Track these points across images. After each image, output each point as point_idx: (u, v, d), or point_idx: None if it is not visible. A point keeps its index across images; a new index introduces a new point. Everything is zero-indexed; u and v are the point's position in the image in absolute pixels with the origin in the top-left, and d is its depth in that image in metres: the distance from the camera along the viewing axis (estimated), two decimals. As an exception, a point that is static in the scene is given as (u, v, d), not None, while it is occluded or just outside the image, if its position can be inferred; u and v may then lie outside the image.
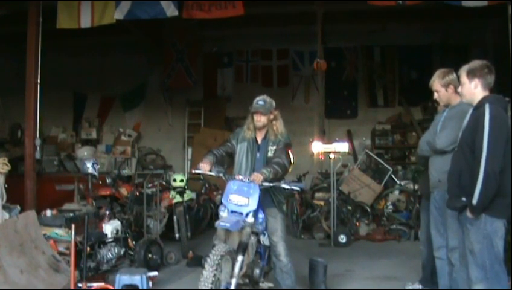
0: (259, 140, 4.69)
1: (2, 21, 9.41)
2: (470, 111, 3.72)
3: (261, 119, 4.59)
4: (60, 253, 5.29)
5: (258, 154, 4.65)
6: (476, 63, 3.69)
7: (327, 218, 8.33)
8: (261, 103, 4.59)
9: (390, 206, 8.95)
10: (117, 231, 5.89)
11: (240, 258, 3.96)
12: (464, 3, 6.35)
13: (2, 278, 4.39)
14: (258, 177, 4.21)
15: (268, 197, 4.52)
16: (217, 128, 11.94)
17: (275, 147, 4.59)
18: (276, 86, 12.46)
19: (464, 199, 3.54)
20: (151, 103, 12.86)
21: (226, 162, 4.74)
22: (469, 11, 6.61)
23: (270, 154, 4.58)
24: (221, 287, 3.82)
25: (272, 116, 4.64)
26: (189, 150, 12.47)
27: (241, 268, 3.96)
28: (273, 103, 4.67)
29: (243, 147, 4.67)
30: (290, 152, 4.60)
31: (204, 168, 4.46)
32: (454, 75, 4.37)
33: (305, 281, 5.39)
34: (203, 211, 8.83)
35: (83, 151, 11.59)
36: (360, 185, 8.99)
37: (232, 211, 4.14)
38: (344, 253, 7.42)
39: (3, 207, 5.68)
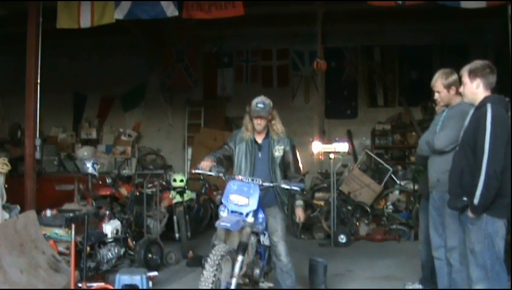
0: (260, 140, 4.69)
1: (2, 21, 9.42)
2: (472, 111, 3.72)
3: (261, 123, 4.59)
4: (60, 253, 5.29)
5: (259, 154, 4.65)
6: (477, 63, 3.68)
7: (327, 218, 8.32)
8: (260, 106, 4.53)
9: (390, 206, 8.95)
10: (117, 231, 5.89)
11: (240, 258, 3.95)
12: (463, 4, 6.34)
13: (2, 278, 4.39)
14: (301, 218, 4.80)
15: (272, 197, 4.54)
16: (217, 128, 11.95)
17: (282, 147, 4.63)
18: (276, 86, 12.48)
19: (465, 198, 3.54)
20: (151, 103, 12.87)
21: (225, 165, 4.73)
22: (469, 11, 6.60)
23: (277, 153, 4.62)
24: (221, 287, 3.81)
25: (270, 117, 4.63)
26: (189, 150, 12.48)
27: (241, 268, 3.96)
28: (271, 103, 4.64)
29: (242, 148, 4.67)
30: (297, 154, 4.75)
31: (204, 168, 4.46)
32: (456, 76, 4.36)
33: (305, 281, 5.39)
34: (203, 211, 8.83)
35: (83, 151, 11.59)
36: (360, 185, 8.99)
37: (232, 211, 4.13)
38: (344, 253, 7.42)
39: (3, 207, 5.69)
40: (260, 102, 4.55)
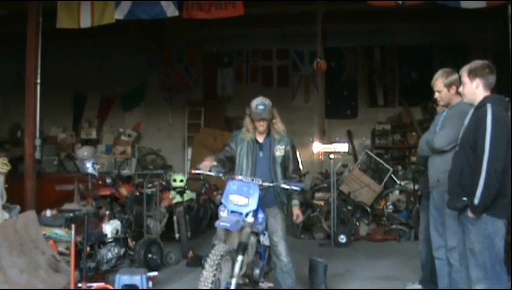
0: (261, 139, 4.69)
1: (2, 21, 9.44)
2: (471, 111, 3.71)
3: (264, 125, 4.60)
4: (60, 253, 5.28)
5: (260, 153, 4.66)
6: (477, 63, 3.68)
7: (327, 218, 8.32)
8: (261, 107, 4.51)
9: (390, 206, 8.96)
10: (117, 231, 5.88)
11: (239, 258, 3.95)
12: (463, 4, 6.35)
13: (2, 278, 4.40)
14: (299, 217, 4.74)
15: (272, 197, 4.55)
16: (217, 128, 11.96)
17: (283, 146, 4.65)
18: (276, 86, 12.50)
19: (465, 198, 3.53)
20: (151, 103, 12.88)
21: (227, 166, 4.72)
22: (469, 11, 6.61)
23: (278, 153, 4.63)
24: (221, 287, 3.81)
25: (271, 116, 4.63)
26: (189, 150, 12.49)
27: (241, 268, 3.95)
28: (271, 103, 4.62)
29: (243, 147, 4.67)
30: (297, 154, 4.77)
31: (204, 168, 4.46)
32: (457, 75, 4.36)
33: (305, 281, 5.38)
34: (203, 211, 8.82)
35: (83, 151, 11.58)
36: (360, 185, 8.99)
37: (232, 211, 4.13)
38: (344, 253, 7.42)
39: (3, 207, 5.69)
40: (260, 103, 4.53)
